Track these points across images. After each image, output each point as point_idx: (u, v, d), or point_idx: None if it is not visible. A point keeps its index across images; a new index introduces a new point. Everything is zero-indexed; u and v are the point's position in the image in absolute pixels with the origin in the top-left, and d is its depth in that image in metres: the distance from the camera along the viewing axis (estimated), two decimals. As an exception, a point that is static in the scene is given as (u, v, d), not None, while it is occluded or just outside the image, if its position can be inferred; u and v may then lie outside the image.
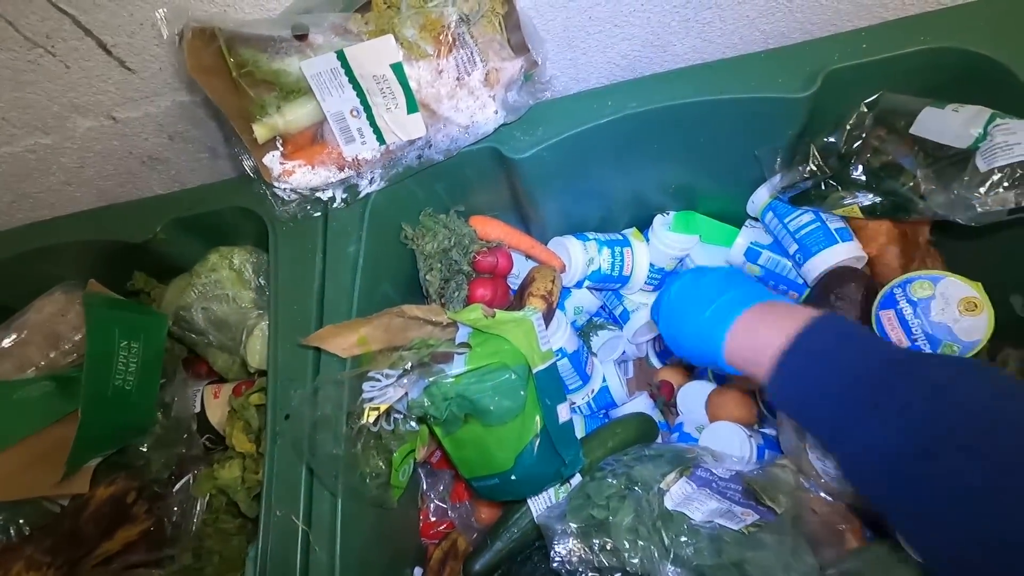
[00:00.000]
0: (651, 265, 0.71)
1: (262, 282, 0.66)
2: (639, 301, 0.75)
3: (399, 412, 0.49)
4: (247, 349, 0.59)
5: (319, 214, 0.60)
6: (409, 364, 0.45)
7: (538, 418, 0.46)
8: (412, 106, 0.51)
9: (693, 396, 0.71)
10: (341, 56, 0.49)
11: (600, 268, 0.69)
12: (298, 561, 0.46)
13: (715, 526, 0.45)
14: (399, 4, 0.48)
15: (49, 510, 0.56)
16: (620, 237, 0.71)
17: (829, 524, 0.52)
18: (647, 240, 0.72)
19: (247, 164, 0.58)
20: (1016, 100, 0.49)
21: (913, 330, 0.52)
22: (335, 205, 0.59)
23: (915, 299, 0.52)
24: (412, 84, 0.50)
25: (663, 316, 0.48)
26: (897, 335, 0.53)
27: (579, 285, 0.71)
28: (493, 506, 0.58)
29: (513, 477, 0.46)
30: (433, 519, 0.62)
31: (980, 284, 0.51)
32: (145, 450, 0.55)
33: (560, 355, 0.65)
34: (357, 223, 0.58)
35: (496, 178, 0.62)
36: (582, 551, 0.43)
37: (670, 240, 0.70)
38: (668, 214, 0.72)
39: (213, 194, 0.68)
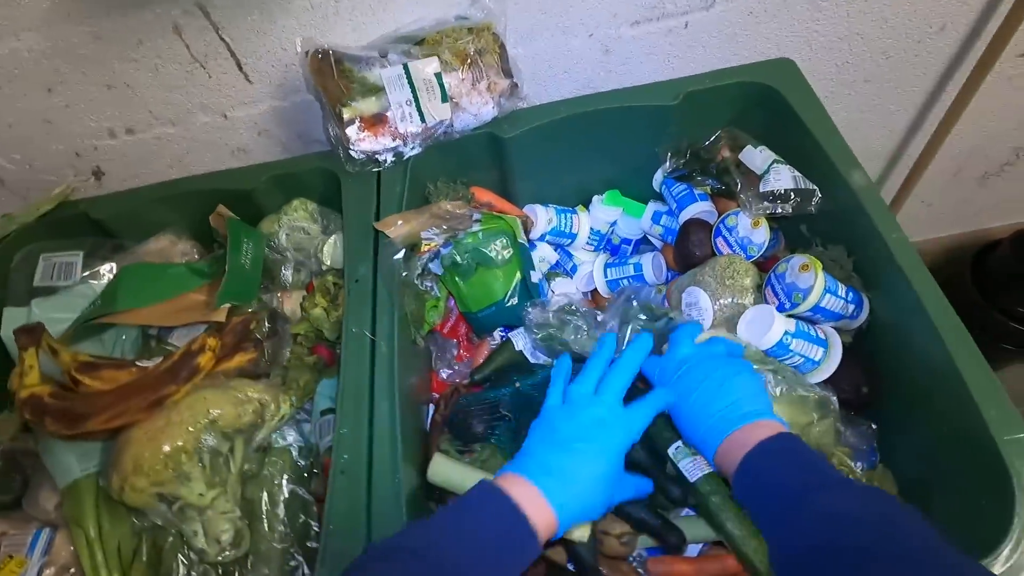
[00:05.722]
0: (591, 229, 1.05)
1: (324, 222, 0.96)
2: (582, 258, 1.08)
3: (433, 272, 0.78)
4: (324, 252, 0.88)
5: (375, 170, 0.92)
6: (444, 231, 0.76)
7: (519, 270, 0.77)
8: (444, 98, 0.86)
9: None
10: (406, 68, 0.84)
11: (556, 226, 1.03)
12: (368, 355, 0.73)
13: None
14: (441, 41, 0.85)
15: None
16: (570, 208, 1.06)
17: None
18: (589, 212, 1.07)
19: (332, 134, 0.91)
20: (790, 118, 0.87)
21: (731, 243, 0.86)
22: (386, 164, 0.92)
23: (729, 225, 0.87)
24: (446, 85, 0.85)
25: (678, 396, 0.59)
26: (725, 248, 0.87)
27: (543, 239, 1.04)
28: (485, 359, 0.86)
29: (507, 304, 0.76)
30: (443, 378, 0.89)
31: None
32: (251, 309, 0.82)
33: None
34: (401, 175, 0.90)
35: (489, 157, 0.97)
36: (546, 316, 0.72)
37: (602, 212, 1.05)
38: (602, 195, 1.07)
39: (294, 163, 0.99)
